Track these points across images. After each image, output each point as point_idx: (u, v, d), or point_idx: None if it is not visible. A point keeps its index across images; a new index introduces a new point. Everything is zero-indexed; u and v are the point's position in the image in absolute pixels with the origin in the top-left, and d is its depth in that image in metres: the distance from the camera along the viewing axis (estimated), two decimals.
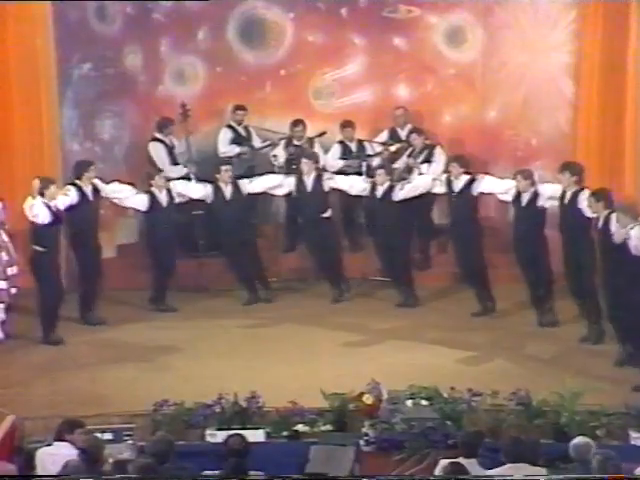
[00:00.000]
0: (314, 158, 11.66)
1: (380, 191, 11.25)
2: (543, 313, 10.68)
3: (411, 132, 12.33)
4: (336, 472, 7.10)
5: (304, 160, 11.54)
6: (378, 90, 13.08)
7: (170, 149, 12.36)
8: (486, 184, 10.95)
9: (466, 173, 10.97)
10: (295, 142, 12.42)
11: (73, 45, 12.34)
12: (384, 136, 12.63)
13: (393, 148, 12.30)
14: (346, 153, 12.43)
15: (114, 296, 11.40)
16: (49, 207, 10.20)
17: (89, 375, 9.54)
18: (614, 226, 9.25)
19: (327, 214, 11.49)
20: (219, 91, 13.02)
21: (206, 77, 13.05)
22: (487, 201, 11.50)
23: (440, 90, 13.02)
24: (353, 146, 12.48)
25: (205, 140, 12.73)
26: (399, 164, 12.09)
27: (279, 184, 11.59)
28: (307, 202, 11.48)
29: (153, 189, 11.14)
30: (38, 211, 10.14)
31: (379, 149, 12.44)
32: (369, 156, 12.34)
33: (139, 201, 11.12)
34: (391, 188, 11.20)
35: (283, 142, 12.46)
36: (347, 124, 12.46)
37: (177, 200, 11.33)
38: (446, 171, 11.21)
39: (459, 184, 10.97)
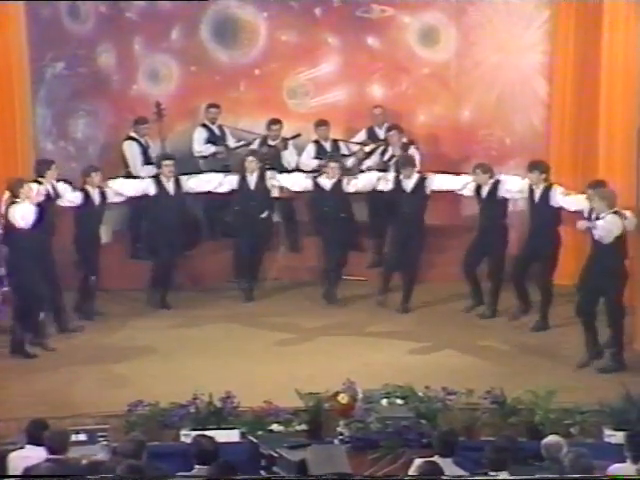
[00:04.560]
0: (260, 157, 11.69)
1: (329, 185, 11.34)
2: (492, 305, 11.03)
3: (389, 129, 12.34)
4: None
5: (249, 158, 11.57)
6: (352, 90, 13.09)
7: (145, 149, 12.32)
8: (439, 182, 11.20)
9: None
10: (270, 142, 12.42)
11: (46, 44, 12.29)
12: (362, 135, 12.64)
13: (368, 148, 12.35)
14: (321, 153, 12.43)
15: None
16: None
17: (63, 376, 9.50)
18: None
19: (265, 214, 11.58)
20: (193, 90, 12.98)
21: (180, 76, 13.01)
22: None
23: (414, 90, 13.05)
24: (328, 146, 12.49)
25: (179, 140, 12.70)
26: (371, 163, 12.15)
27: (219, 183, 11.58)
28: (249, 200, 11.49)
29: (87, 187, 10.96)
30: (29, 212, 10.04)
31: (354, 149, 12.47)
32: (344, 156, 12.36)
33: (73, 198, 10.90)
34: (339, 182, 11.33)
35: (258, 142, 12.46)
36: (322, 123, 12.46)
37: (115, 199, 11.20)
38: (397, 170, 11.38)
39: (410, 184, 11.12)
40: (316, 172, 12.08)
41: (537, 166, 10.72)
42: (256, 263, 11.67)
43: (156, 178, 11.37)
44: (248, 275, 11.64)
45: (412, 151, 12.17)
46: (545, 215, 10.64)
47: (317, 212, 11.58)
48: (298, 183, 11.62)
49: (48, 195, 10.60)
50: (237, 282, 11.73)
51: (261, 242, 11.65)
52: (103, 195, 11.05)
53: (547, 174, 10.67)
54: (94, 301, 11.12)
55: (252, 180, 11.55)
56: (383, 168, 11.93)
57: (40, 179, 10.63)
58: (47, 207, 10.51)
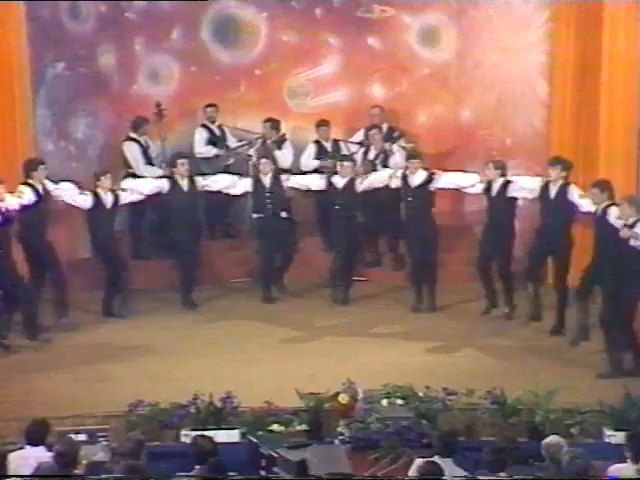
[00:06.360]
0: (272, 158, 11.74)
1: (341, 184, 11.36)
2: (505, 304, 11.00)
3: (371, 129, 12.34)
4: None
5: (263, 160, 11.59)
6: (353, 90, 13.10)
7: (145, 149, 12.32)
8: (447, 179, 11.20)
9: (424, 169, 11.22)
10: (269, 142, 12.42)
11: (46, 44, 12.28)
12: (360, 135, 12.64)
13: (354, 148, 12.40)
14: (321, 153, 12.44)
15: (87, 296, 11.34)
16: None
17: (63, 376, 9.49)
18: (613, 218, 9.66)
19: (284, 214, 11.60)
20: (193, 91, 12.99)
21: (180, 77, 13.03)
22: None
23: (415, 90, 13.06)
24: (329, 146, 12.49)
25: (179, 140, 12.71)
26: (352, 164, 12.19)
27: (232, 184, 11.64)
28: (265, 201, 11.51)
29: (98, 190, 11.00)
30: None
31: (354, 149, 12.47)
32: (344, 156, 12.35)
33: (82, 200, 10.96)
34: (352, 181, 11.35)
35: (260, 142, 12.45)
36: (322, 123, 12.47)
37: (128, 199, 11.25)
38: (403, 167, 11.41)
39: (416, 180, 11.11)
40: (316, 173, 12.13)
41: (559, 162, 10.70)
42: (279, 265, 11.70)
43: (170, 177, 11.40)
44: (270, 277, 11.63)
45: (396, 148, 12.19)
46: (561, 212, 10.59)
47: (329, 211, 11.61)
48: (313, 184, 11.66)
49: (37, 195, 10.52)
50: (259, 284, 11.73)
51: (284, 243, 11.66)
52: (115, 197, 11.09)
53: (568, 172, 10.64)
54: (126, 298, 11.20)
55: (267, 181, 11.56)
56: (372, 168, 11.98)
57: (29, 180, 10.56)
58: (37, 207, 10.45)
